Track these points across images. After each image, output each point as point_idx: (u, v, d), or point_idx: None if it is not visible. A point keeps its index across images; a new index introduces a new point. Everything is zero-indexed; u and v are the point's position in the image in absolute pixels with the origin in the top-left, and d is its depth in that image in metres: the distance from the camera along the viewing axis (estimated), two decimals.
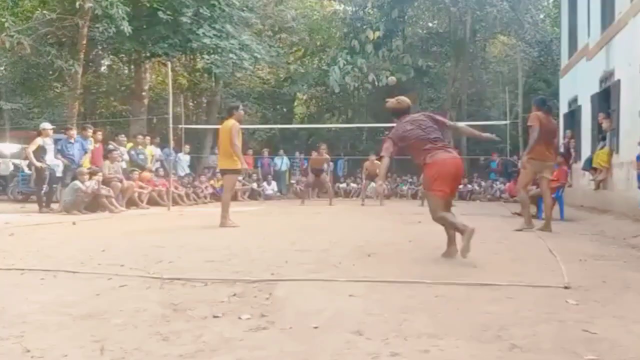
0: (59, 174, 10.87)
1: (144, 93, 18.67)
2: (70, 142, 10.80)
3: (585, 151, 11.85)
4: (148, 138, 13.79)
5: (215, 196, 15.22)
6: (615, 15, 9.88)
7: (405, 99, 5.18)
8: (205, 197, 14.72)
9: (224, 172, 7.90)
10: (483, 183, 17.94)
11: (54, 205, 10.58)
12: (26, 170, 13.08)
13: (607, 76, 10.53)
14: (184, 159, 15.56)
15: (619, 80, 9.69)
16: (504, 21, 21.06)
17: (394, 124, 5.40)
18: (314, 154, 15.47)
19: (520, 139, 10.99)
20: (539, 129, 6.85)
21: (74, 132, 11.09)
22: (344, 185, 19.55)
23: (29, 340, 2.31)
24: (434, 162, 4.63)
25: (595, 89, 11.25)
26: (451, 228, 4.64)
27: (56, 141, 11.13)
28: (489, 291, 3.29)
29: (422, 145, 4.72)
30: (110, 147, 11.95)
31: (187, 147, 15.70)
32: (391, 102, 5.16)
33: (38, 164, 10.41)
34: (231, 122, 7.53)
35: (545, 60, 21.99)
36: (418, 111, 6.29)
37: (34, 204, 11.02)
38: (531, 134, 7.02)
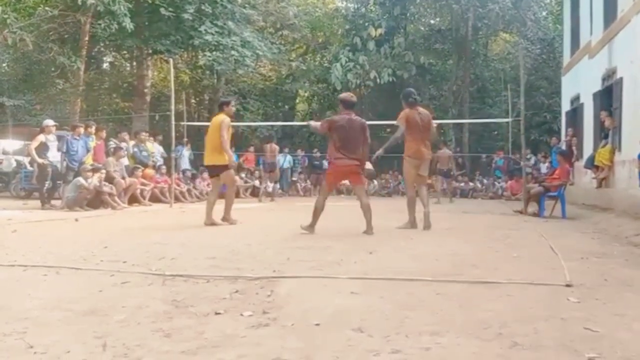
0: (61, 170, 10.89)
1: (146, 90, 18.69)
2: (76, 139, 10.81)
3: (588, 149, 11.83)
4: (146, 134, 13.80)
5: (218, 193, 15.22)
6: (618, 13, 9.85)
7: (353, 96, 6.58)
8: (207, 194, 14.72)
9: (216, 168, 7.43)
10: (485, 181, 17.94)
11: (57, 202, 10.60)
12: (28, 167, 13.11)
13: (610, 74, 10.50)
14: (186, 154, 15.57)
15: (621, 78, 9.67)
16: (506, 18, 21.02)
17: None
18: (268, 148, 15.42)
19: (522, 137, 10.95)
20: (406, 127, 6.78)
21: (81, 129, 11.09)
22: (346, 181, 19.53)
23: (31, 336, 2.32)
24: (336, 165, 6.29)
25: (598, 86, 11.22)
26: (315, 213, 6.23)
27: (60, 137, 11.15)
28: (490, 289, 3.30)
29: (338, 144, 6.18)
30: (112, 144, 11.96)
31: (189, 145, 15.73)
32: (343, 94, 6.62)
33: (40, 161, 10.45)
34: (222, 117, 7.36)
35: (547, 58, 21.93)
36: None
37: (36, 200, 11.04)
38: (396, 132, 7.03)
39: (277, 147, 15.52)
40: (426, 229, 6.72)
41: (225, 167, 7.39)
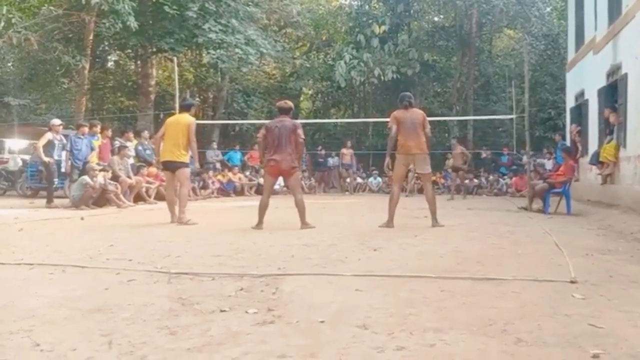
0: (63, 169, 10.96)
1: (150, 88, 18.74)
2: (80, 138, 10.85)
3: (593, 145, 11.79)
4: (146, 132, 13.86)
5: (222, 191, 15.30)
6: (622, 9, 9.80)
7: (289, 102, 7.03)
8: (212, 192, 14.78)
9: (174, 164, 7.42)
10: (490, 177, 17.91)
11: (58, 200, 10.64)
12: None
13: (614, 70, 10.46)
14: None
15: (626, 74, 9.62)
16: (510, 14, 20.95)
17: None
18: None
19: (527, 134, 10.92)
20: (396, 128, 6.85)
21: (86, 128, 11.11)
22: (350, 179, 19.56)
23: (38, 334, 2.34)
24: (269, 161, 6.69)
25: (602, 82, 11.17)
26: (259, 213, 6.68)
27: (65, 136, 11.21)
28: (494, 285, 3.30)
29: (271, 144, 6.65)
30: (117, 143, 12.00)
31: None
32: (280, 102, 7.02)
33: (46, 159, 10.52)
34: (190, 119, 7.53)
35: (551, 54, 21.84)
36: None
37: (43, 199, 11.09)
38: (391, 133, 7.07)
39: (351, 151, 19.28)
40: (435, 226, 6.76)
41: (184, 165, 7.44)
